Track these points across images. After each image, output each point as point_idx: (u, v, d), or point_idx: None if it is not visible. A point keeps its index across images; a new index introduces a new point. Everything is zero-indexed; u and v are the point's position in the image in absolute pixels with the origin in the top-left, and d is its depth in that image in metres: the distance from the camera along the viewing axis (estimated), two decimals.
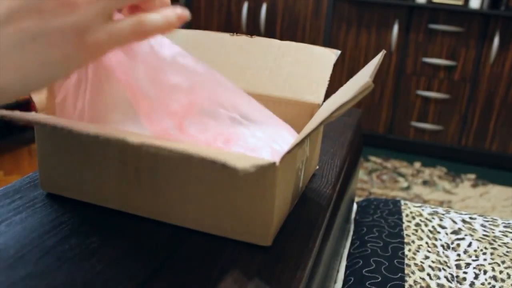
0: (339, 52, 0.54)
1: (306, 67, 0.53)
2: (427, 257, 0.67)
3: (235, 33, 0.55)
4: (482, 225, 0.77)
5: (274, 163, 0.32)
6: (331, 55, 0.54)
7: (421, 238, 0.72)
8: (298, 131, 0.41)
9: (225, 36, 0.52)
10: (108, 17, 0.29)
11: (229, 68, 0.52)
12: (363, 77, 0.35)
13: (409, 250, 0.69)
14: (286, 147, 0.37)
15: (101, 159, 0.38)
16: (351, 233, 0.82)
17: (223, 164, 0.27)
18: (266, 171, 0.33)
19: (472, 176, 2.04)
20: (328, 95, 0.52)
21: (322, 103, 0.52)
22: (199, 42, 0.54)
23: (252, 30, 2.29)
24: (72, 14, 0.27)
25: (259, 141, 0.39)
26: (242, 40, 0.55)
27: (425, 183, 1.95)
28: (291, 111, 0.47)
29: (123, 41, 0.29)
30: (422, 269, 0.65)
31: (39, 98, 0.40)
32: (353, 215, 0.88)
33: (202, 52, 0.53)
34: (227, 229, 0.37)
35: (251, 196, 0.35)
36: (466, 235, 0.74)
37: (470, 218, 0.80)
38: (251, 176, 0.34)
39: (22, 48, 0.26)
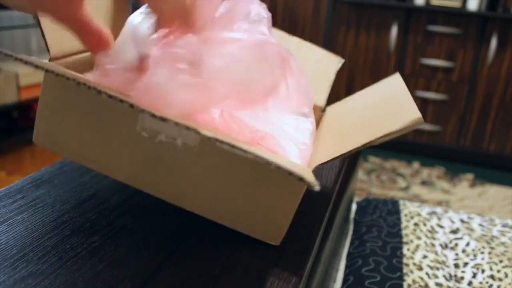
0: (343, 60, 0.54)
1: (308, 69, 0.53)
2: (425, 257, 0.68)
3: None
4: (480, 225, 0.78)
5: (311, 172, 0.32)
6: (334, 61, 0.54)
7: (419, 238, 0.73)
8: None
9: None
10: None
11: None
12: (406, 108, 0.34)
13: (408, 250, 0.69)
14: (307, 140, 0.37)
15: (115, 125, 0.35)
16: (350, 232, 0.82)
17: (300, 178, 0.26)
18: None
19: (470, 176, 2.05)
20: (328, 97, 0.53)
21: (325, 107, 0.52)
22: None
23: None
24: None
25: (286, 138, 0.38)
26: None
27: (423, 183, 1.95)
28: None
29: None
30: (420, 269, 0.65)
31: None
32: (352, 215, 0.89)
33: None
34: (240, 223, 0.36)
35: (276, 197, 0.34)
36: (464, 234, 0.74)
37: (468, 217, 0.80)
38: (284, 179, 0.33)
39: None
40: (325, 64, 0.54)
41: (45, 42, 0.36)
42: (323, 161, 0.34)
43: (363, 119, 0.41)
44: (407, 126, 0.30)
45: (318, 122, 0.48)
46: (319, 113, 0.50)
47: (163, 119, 0.27)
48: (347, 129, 0.41)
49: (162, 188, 0.36)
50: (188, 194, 0.36)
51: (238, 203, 0.35)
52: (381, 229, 0.75)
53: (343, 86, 2.26)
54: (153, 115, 0.27)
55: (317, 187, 0.26)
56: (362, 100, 0.46)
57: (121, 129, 0.35)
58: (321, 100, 0.52)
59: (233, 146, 0.27)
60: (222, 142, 0.27)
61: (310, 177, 0.27)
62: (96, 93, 0.28)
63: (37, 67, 0.29)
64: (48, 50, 0.36)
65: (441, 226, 0.77)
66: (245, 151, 0.27)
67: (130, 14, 0.37)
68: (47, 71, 0.29)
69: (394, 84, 0.42)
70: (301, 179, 0.26)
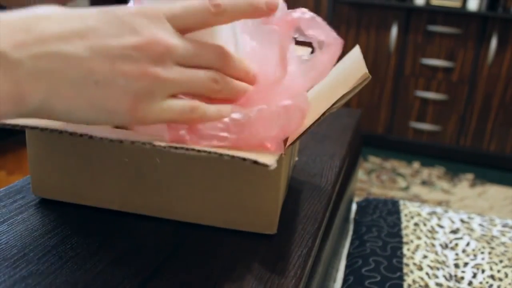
0: (310, 49, 0.57)
1: None
2: (425, 257, 0.68)
3: None
4: (480, 225, 0.78)
5: (281, 154, 0.33)
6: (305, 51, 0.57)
7: (419, 238, 0.73)
8: None
9: None
10: (170, 95, 0.30)
11: None
12: (356, 69, 0.36)
13: (408, 250, 0.69)
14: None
15: (99, 160, 0.38)
16: (350, 232, 0.82)
17: (253, 161, 0.28)
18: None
19: (470, 176, 2.05)
20: None
21: None
22: None
23: None
24: (145, 81, 0.28)
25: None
26: None
27: (423, 183, 1.95)
28: None
29: (170, 120, 0.30)
30: (420, 269, 0.65)
31: None
32: (352, 215, 0.89)
33: None
34: (232, 221, 0.37)
35: (257, 186, 0.35)
36: (464, 234, 0.74)
37: (468, 217, 0.80)
38: (258, 167, 0.34)
39: (83, 84, 0.26)
40: None
41: None
42: (290, 142, 0.35)
43: (322, 93, 0.42)
44: (357, 85, 0.32)
45: None
46: None
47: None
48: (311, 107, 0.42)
49: (153, 206, 0.38)
50: (177, 205, 0.38)
51: (225, 202, 0.37)
52: (381, 229, 0.75)
53: None
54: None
55: (272, 166, 0.28)
56: (325, 80, 0.47)
57: (104, 162, 0.38)
58: None
59: (187, 149, 0.29)
60: (176, 148, 0.29)
61: (266, 160, 0.28)
62: (78, 136, 0.30)
63: (22, 127, 0.31)
64: None
65: (441, 226, 0.77)
66: (198, 151, 0.29)
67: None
68: (31, 128, 0.31)
69: (352, 55, 0.44)
70: (255, 162, 0.28)
